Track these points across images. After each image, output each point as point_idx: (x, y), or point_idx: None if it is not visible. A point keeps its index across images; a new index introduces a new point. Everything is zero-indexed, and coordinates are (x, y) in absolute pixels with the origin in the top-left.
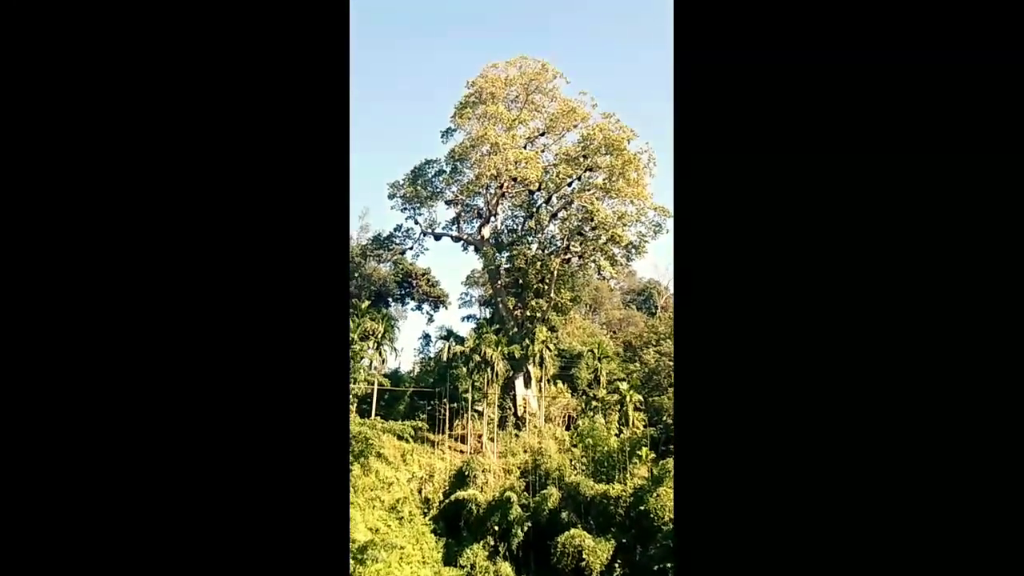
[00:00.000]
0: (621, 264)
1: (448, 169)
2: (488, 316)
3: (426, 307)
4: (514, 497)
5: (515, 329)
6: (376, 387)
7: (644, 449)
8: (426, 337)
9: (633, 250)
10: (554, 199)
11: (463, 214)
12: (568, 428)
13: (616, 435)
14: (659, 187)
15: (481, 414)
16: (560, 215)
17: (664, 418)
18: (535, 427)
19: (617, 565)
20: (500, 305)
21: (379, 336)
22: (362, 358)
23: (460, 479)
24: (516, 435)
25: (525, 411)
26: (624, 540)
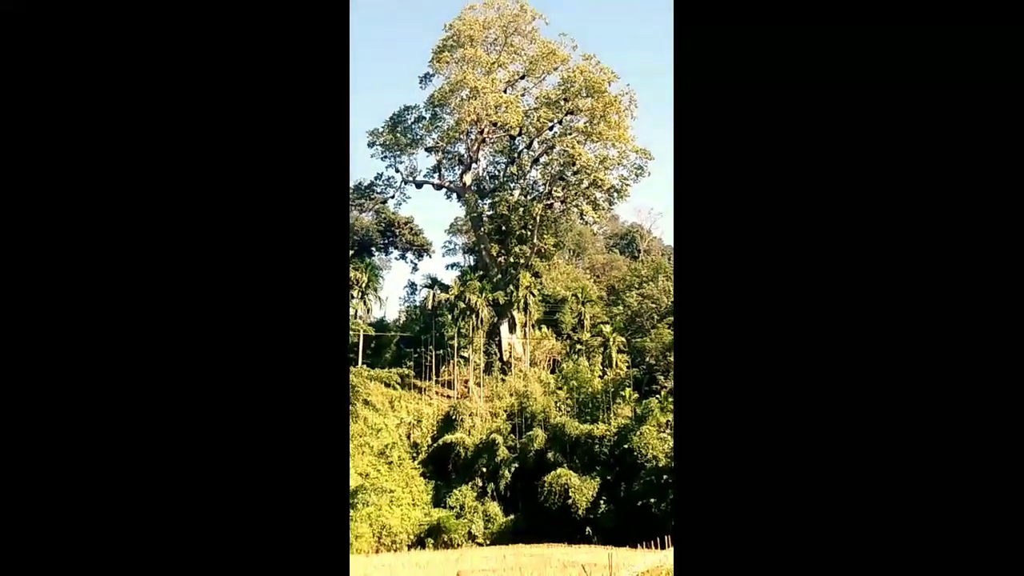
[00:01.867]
0: (603, 208)
1: (427, 116)
2: (472, 263)
3: (410, 256)
4: (500, 439)
5: (499, 276)
6: (362, 336)
7: (627, 390)
8: (411, 285)
9: (615, 194)
10: (535, 144)
11: (444, 161)
12: (553, 371)
13: (600, 377)
14: (641, 129)
15: (467, 360)
16: (542, 160)
17: (647, 359)
18: (520, 371)
19: (602, 502)
20: (484, 252)
21: (363, 286)
22: None
23: (448, 423)
24: (502, 379)
25: (510, 356)
26: (609, 478)
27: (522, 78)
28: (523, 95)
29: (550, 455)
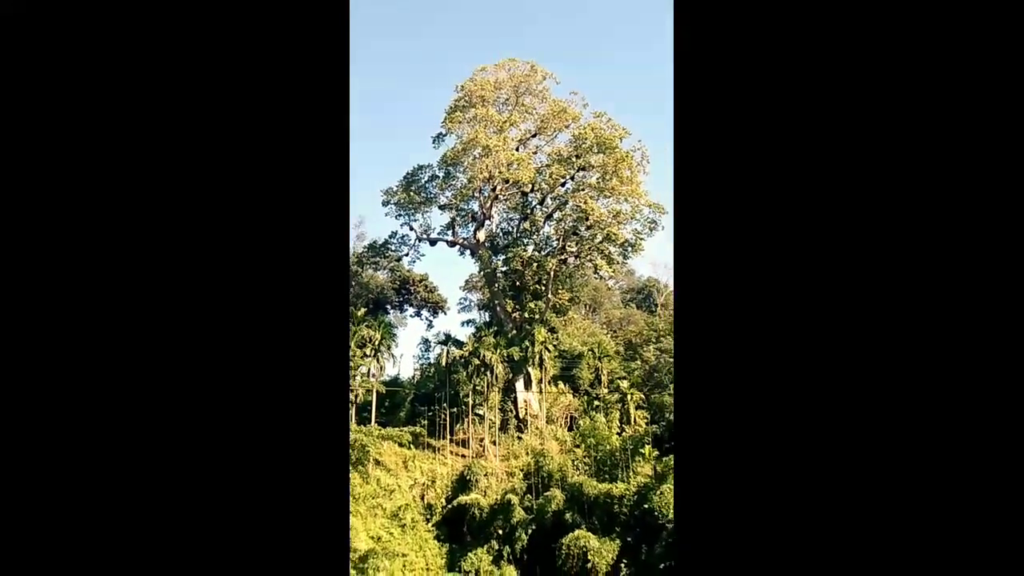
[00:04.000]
0: (618, 263)
1: (441, 174)
2: (487, 319)
3: (425, 313)
4: (516, 500)
5: (514, 331)
6: (375, 394)
7: (647, 447)
8: (425, 342)
9: (630, 248)
10: (548, 200)
11: (458, 218)
12: (570, 429)
13: (618, 434)
14: (654, 184)
15: (482, 418)
16: (555, 216)
17: (666, 415)
18: (537, 429)
19: (623, 564)
20: (498, 308)
21: (376, 343)
22: (359, 366)
23: (462, 484)
24: (518, 437)
25: (526, 413)
26: (629, 539)
27: (534, 136)
28: (535, 152)
29: (568, 516)
